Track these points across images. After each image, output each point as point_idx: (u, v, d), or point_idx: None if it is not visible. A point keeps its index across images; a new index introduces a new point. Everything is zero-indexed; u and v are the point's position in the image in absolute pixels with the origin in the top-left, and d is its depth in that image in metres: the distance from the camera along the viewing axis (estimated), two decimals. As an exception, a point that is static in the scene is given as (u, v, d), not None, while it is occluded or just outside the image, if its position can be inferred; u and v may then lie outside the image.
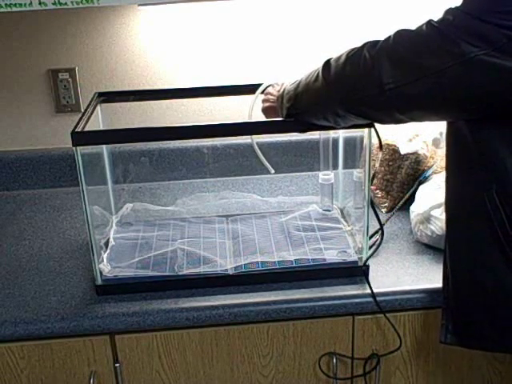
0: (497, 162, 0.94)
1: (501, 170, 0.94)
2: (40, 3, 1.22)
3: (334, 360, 1.20)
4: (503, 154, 0.93)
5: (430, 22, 0.90)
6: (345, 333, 1.20)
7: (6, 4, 1.22)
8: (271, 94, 1.18)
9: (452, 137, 1.03)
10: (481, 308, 1.03)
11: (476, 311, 1.04)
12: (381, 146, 1.18)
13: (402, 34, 0.92)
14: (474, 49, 0.84)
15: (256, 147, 1.28)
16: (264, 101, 1.20)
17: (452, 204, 1.06)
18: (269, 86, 1.23)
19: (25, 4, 1.22)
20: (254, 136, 1.29)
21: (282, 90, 1.13)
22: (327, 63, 1.01)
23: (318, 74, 1.02)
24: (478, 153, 0.97)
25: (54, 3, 1.23)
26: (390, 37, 0.93)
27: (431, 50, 0.88)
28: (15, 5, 1.22)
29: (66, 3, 1.23)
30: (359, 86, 0.95)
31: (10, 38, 1.57)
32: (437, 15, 0.90)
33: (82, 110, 1.62)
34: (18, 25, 1.55)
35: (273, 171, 1.30)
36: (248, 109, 1.24)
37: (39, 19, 1.55)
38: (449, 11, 0.88)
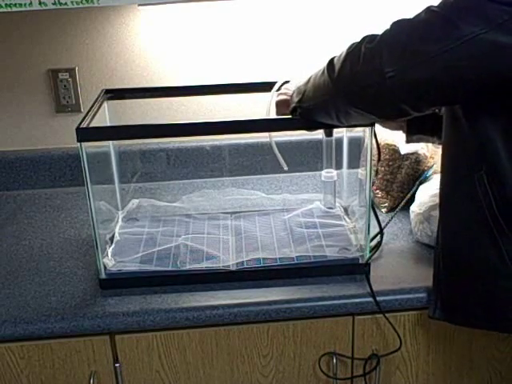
0: (487, 144, 0.96)
1: (491, 151, 0.96)
2: (40, 3, 1.22)
3: (334, 360, 1.20)
4: (493, 135, 0.95)
5: (429, 8, 0.90)
6: (345, 333, 1.20)
7: (6, 4, 1.22)
8: (288, 89, 1.18)
9: (447, 120, 1.04)
10: (467, 286, 1.06)
11: (463, 289, 1.07)
12: (379, 156, 1.20)
13: (400, 23, 0.93)
14: (475, 28, 0.84)
15: (273, 143, 1.27)
16: (280, 94, 1.19)
17: (445, 186, 1.08)
18: (284, 83, 1.22)
19: (25, 4, 1.22)
20: (259, 134, 1.28)
21: (295, 86, 1.14)
22: (331, 62, 1.02)
23: (323, 71, 1.03)
24: (471, 136, 0.98)
25: (54, 3, 1.23)
26: (388, 28, 0.94)
27: (431, 34, 0.88)
28: (15, 5, 1.22)
29: (65, 3, 1.23)
30: (360, 78, 0.95)
31: (10, 38, 1.57)
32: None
33: (82, 110, 1.63)
34: (18, 25, 1.55)
35: (286, 167, 1.29)
36: (266, 106, 1.22)
37: (39, 19, 1.55)
38: None
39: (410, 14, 0.93)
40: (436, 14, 0.88)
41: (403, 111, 0.97)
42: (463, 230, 1.05)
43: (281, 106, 1.18)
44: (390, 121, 1.09)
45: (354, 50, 0.96)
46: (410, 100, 0.95)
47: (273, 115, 1.19)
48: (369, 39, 0.95)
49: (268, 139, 1.27)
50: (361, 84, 0.95)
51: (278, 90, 1.22)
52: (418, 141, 1.26)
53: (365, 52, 0.94)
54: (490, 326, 1.09)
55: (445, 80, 0.90)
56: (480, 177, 0.98)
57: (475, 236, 1.02)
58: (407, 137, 1.24)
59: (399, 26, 0.93)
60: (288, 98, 1.16)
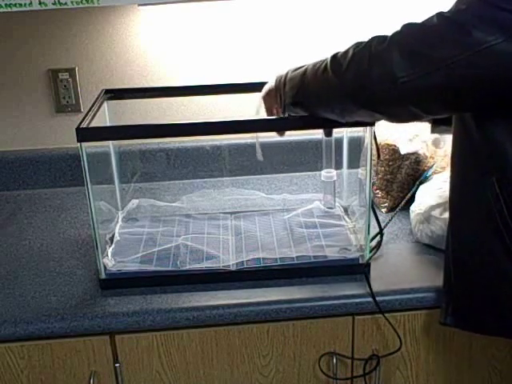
0: (498, 149, 0.94)
1: (501, 156, 0.94)
2: (40, 3, 1.23)
3: (334, 360, 1.20)
4: (504, 140, 0.93)
5: (440, 14, 0.88)
6: (345, 333, 1.20)
7: (5, 4, 1.22)
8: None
9: (457, 124, 1.03)
10: (480, 293, 1.04)
11: (476, 296, 1.05)
12: (379, 155, 1.19)
13: (411, 27, 0.91)
14: (489, 38, 0.83)
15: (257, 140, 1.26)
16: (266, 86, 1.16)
17: (455, 190, 1.06)
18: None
19: (25, 4, 1.22)
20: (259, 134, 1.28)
21: (283, 75, 1.11)
22: (335, 57, 0.99)
23: (325, 66, 1.00)
24: (481, 140, 0.96)
25: (54, 3, 1.23)
26: (398, 30, 0.92)
27: (444, 41, 0.87)
28: (15, 5, 1.22)
29: (65, 3, 1.23)
30: (371, 82, 0.93)
31: (10, 38, 1.57)
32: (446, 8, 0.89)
33: (82, 110, 1.63)
34: (18, 25, 1.55)
35: (261, 158, 1.28)
36: (255, 107, 1.22)
37: (39, 19, 1.55)
38: (461, 0, 0.87)
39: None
40: (449, 20, 0.87)
41: (415, 114, 0.96)
42: (474, 235, 1.03)
43: (267, 94, 1.15)
44: (401, 122, 1.08)
45: (363, 51, 0.95)
46: (421, 105, 0.94)
47: (262, 113, 1.18)
48: (378, 40, 0.93)
49: (267, 139, 1.27)
50: (371, 87, 0.94)
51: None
52: (442, 132, 1.23)
53: (375, 54, 0.92)
54: (503, 333, 1.08)
55: (458, 88, 0.89)
56: (490, 183, 0.96)
57: (486, 241, 1.00)
58: (432, 127, 1.21)
59: (410, 29, 0.91)
60: (273, 85, 1.13)
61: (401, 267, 1.24)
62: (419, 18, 0.92)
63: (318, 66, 1.02)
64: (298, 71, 1.08)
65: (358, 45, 0.97)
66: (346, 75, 0.97)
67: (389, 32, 0.94)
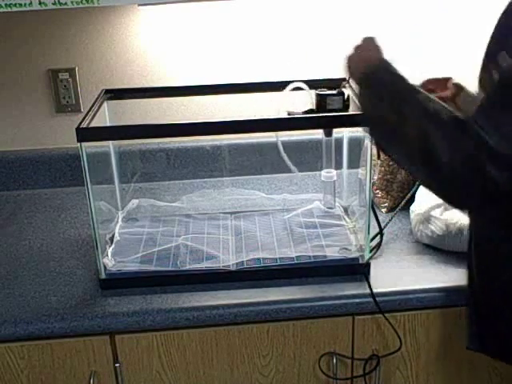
0: None
1: None
2: (40, 3, 1.23)
3: (334, 360, 1.20)
4: None
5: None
6: (345, 333, 1.20)
7: (5, 4, 1.22)
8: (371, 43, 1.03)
9: None
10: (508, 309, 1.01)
11: (509, 321, 1.01)
12: (379, 155, 1.19)
13: (493, 120, 0.83)
14: None
15: (280, 147, 1.25)
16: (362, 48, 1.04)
17: None
18: (295, 88, 1.15)
19: (25, 4, 1.22)
20: (259, 134, 1.27)
21: (366, 72, 0.99)
22: (439, 116, 0.87)
23: (423, 111, 0.89)
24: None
25: (54, 3, 1.23)
26: (482, 130, 0.83)
27: None
28: (15, 5, 1.22)
29: (65, 3, 1.23)
30: (464, 183, 0.85)
31: (10, 38, 1.57)
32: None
33: (82, 110, 1.63)
34: (18, 25, 1.55)
35: (297, 171, 1.26)
36: (278, 107, 1.18)
37: (39, 19, 1.55)
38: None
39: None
40: None
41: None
42: (504, 261, 0.98)
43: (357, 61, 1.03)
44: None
45: (459, 145, 0.84)
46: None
47: (284, 114, 1.16)
48: (469, 141, 0.83)
49: (267, 139, 1.27)
50: (463, 188, 0.86)
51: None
52: None
53: (469, 157, 0.83)
54: None
55: None
56: None
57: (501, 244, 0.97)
58: None
59: (493, 124, 0.83)
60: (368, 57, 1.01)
61: (401, 267, 1.24)
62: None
63: (422, 101, 0.90)
64: (392, 85, 0.95)
65: (448, 127, 0.86)
66: (428, 155, 0.87)
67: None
